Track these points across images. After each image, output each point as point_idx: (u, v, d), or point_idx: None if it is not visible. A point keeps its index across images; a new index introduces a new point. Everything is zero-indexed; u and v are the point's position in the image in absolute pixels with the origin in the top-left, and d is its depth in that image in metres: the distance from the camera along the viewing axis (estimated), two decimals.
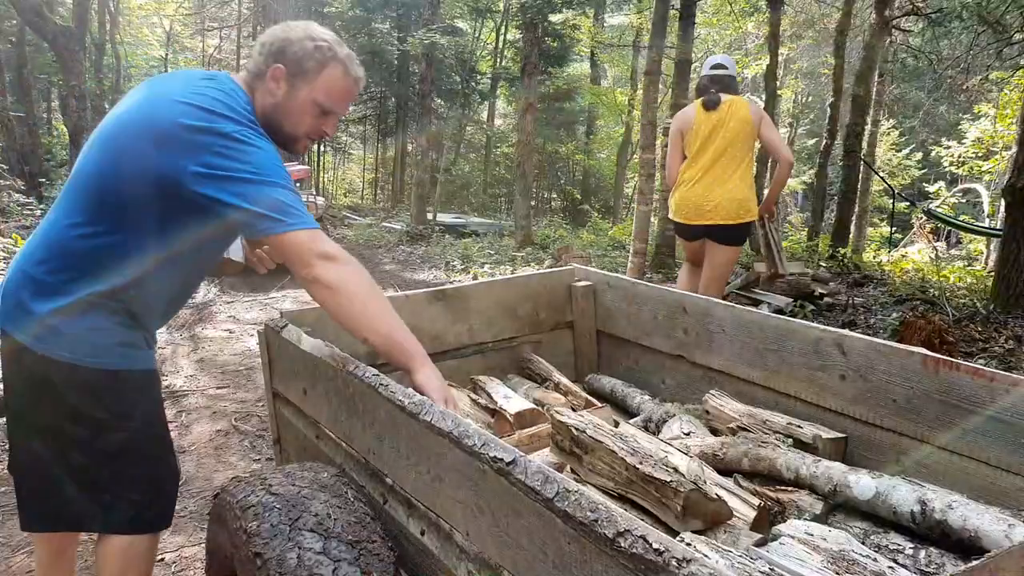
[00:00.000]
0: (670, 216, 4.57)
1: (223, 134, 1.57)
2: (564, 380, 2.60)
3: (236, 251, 2.16)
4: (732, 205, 4.17)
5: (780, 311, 5.93)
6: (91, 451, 1.75)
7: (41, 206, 9.54)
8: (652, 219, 8.63)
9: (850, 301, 6.63)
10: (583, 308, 2.92)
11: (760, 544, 1.40)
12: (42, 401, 1.75)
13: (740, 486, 1.79)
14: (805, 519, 1.62)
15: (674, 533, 1.47)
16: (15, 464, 1.87)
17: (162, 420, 1.91)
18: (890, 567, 1.33)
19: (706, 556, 1.22)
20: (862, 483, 1.65)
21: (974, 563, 1.01)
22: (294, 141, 1.80)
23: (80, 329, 1.69)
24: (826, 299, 6.70)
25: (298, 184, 10.24)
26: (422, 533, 1.52)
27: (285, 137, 1.78)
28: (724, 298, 5.07)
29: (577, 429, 1.77)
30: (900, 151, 20.05)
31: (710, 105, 4.22)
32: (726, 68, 4.35)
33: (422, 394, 1.59)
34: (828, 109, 10.49)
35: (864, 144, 11.29)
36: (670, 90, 9.73)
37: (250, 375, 5.08)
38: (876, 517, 1.63)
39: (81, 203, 1.69)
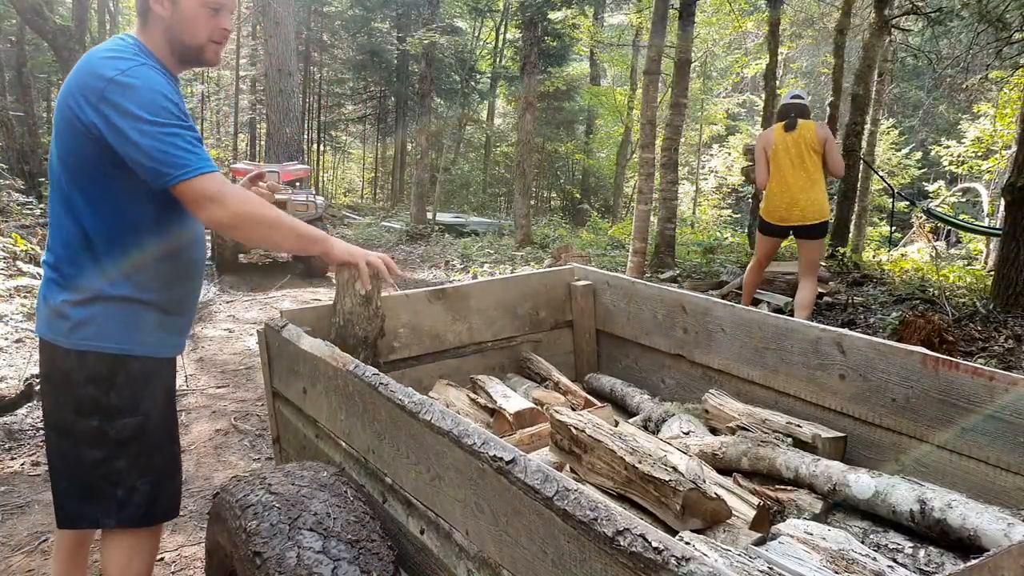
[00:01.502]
0: (762, 215, 5.50)
1: (110, 80, 1.64)
2: (564, 379, 2.60)
3: None
4: (815, 208, 5.09)
5: (779, 310, 5.93)
6: (105, 441, 1.78)
7: (40, 205, 9.53)
8: (652, 218, 8.62)
9: (849, 300, 6.63)
10: (583, 307, 2.92)
11: (759, 543, 1.40)
12: (57, 394, 1.80)
13: (739, 485, 1.79)
14: (804, 518, 1.62)
15: (673, 532, 1.47)
16: (49, 463, 1.90)
17: (172, 409, 1.95)
18: (889, 566, 1.33)
19: (705, 555, 1.22)
20: (861, 482, 1.65)
21: (973, 562, 1.01)
22: (201, 50, 1.84)
23: (88, 315, 1.75)
24: (826, 298, 6.70)
25: (297, 183, 10.22)
26: (421, 532, 1.52)
27: (191, 51, 1.83)
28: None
29: (576, 428, 1.77)
30: (900, 150, 20.06)
31: (789, 127, 5.19)
32: (802, 99, 5.36)
33: (347, 263, 1.98)
34: (828, 108, 10.47)
35: (864, 143, 11.28)
36: (669, 89, 9.73)
37: (249, 374, 5.09)
38: (875, 516, 1.63)
39: (59, 195, 1.77)
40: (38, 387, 4.09)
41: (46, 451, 1.88)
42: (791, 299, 6.37)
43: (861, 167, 10.72)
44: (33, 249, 7.16)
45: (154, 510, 1.86)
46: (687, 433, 2.15)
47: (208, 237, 9.89)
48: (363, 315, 2.11)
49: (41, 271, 2.01)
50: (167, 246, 1.84)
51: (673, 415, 2.29)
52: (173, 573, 2.68)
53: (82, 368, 1.75)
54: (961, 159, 15.89)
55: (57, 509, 1.85)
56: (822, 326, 2.11)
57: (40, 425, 3.91)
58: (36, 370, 4.22)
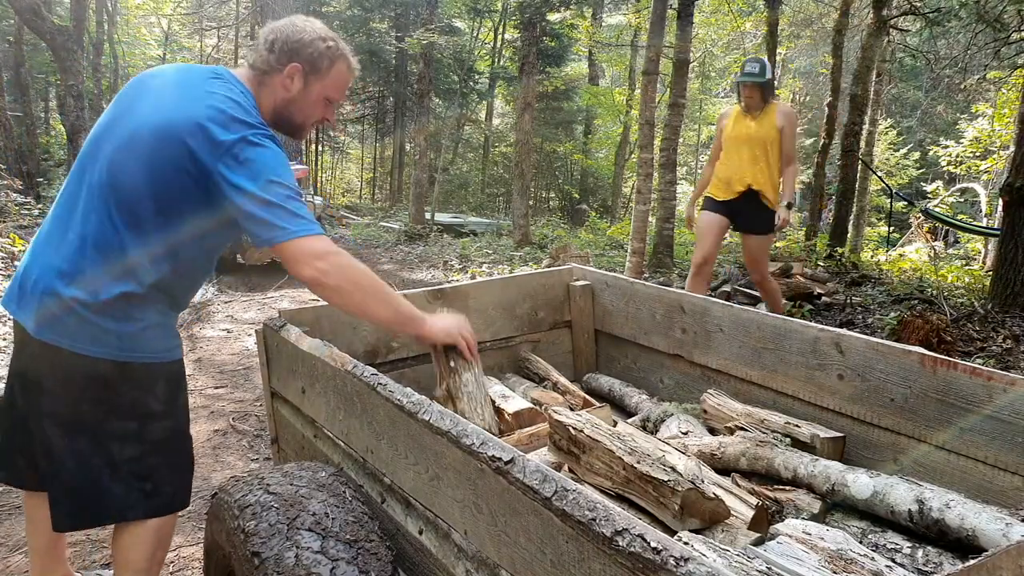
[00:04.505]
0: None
1: (242, 139, 1.67)
2: (562, 379, 2.60)
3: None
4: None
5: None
6: (142, 442, 1.81)
7: (39, 205, 9.53)
8: (650, 218, 8.62)
9: (848, 300, 6.64)
10: (581, 307, 2.92)
11: (758, 543, 1.40)
12: (79, 399, 1.78)
13: (738, 485, 1.79)
14: (803, 518, 1.62)
15: (672, 532, 1.47)
16: (47, 466, 1.86)
17: (188, 406, 2.01)
18: (888, 566, 1.33)
19: (704, 555, 1.22)
20: (860, 482, 1.65)
21: (972, 562, 1.01)
22: (301, 129, 1.95)
23: (130, 328, 1.76)
24: (824, 298, 6.70)
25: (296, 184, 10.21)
26: (420, 532, 1.52)
27: (294, 127, 1.93)
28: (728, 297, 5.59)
29: (575, 428, 1.77)
30: (898, 150, 20.08)
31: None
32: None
33: (445, 342, 1.92)
34: (826, 108, 10.49)
35: (862, 143, 11.30)
36: (668, 89, 9.73)
37: (248, 375, 5.08)
38: (874, 516, 1.63)
39: (105, 212, 1.72)
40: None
41: (47, 454, 1.87)
42: (790, 300, 6.38)
43: (859, 167, 10.72)
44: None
45: (176, 499, 1.92)
46: (685, 433, 2.15)
47: None
48: (478, 398, 1.94)
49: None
50: (200, 268, 1.92)
51: (672, 415, 2.29)
52: (172, 573, 2.68)
53: (126, 377, 1.77)
54: (959, 159, 15.91)
55: (61, 513, 1.83)
56: (820, 326, 2.11)
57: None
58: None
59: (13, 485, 2.08)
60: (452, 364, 1.94)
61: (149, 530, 1.87)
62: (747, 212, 4.82)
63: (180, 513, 1.98)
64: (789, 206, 4.95)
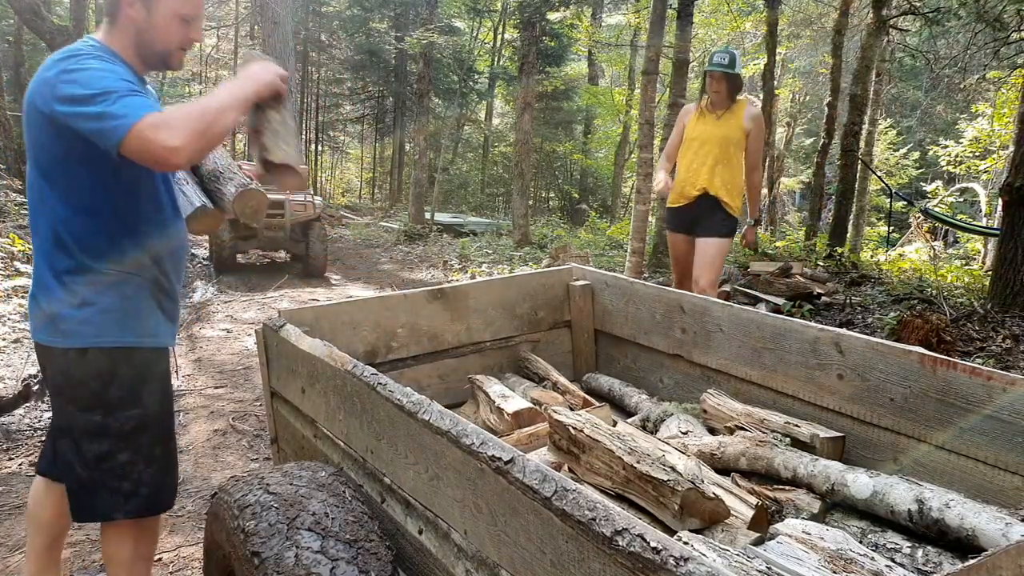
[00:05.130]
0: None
1: (62, 71, 1.71)
2: (562, 379, 2.60)
3: (200, 198, 2.11)
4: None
5: (777, 310, 5.94)
6: (109, 435, 1.83)
7: None
8: (650, 218, 8.62)
9: (848, 300, 6.64)
10: (581, 307, 2.92)
11: (758, 543, 1.40)
12: (60, 394, 1.85)
13: (738, 485, 1.79)
14: (803, 518, 1.62)
15: (672, 532, 1.47)
16: (62, 464, 1.93)
17: (170, 402, 2.01)
18: (887, 566, 1.33)
19: (704, 555, 1.22)
20: (859, 482, 1.65)
21: (971, 562, 1.01)
22: (168, 57, 1.90)
23: (84, 313, 1.79)
24: (824, 298, 6.71)
25: None
26: (420, 532, 1.52)
27: (158, 55, 1.89)
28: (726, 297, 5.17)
29: (575, 428, 1.77)
30: (897, 150, 20.08)
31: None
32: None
33: (275, 95, 1.86)
34: (825, 108, 10.50)
35: (862, 143, 11.30)
36: (668, 89, 9.73)
37: (248, 375, 5.08)
38: (874, 516, 1.63)
39: (33, 194, 1.85)
40: (35, 388, 4.09)
41: (56, 453, 1.92)
42: (790, 300, 6.38)
43: (859, 167, 10.73)
44: (30, 249, 7.16)
45: (158, 500, 1.93)
46: (685, 433, 2.15)
47: (205, 237, 9.89)
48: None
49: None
50: (138, 230, 1.87)
51: (671, 415, 2.29)
52: (171, 573, 2.68)
53: (82, 365, 1.80)
54: (959, 159, 15.91)
55: (76, 506, 1.90)
56: (820, 326, 2.11)
57: (37, 425, 3.91)
58: (33, 370, 4.21)
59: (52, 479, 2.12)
60: (259, 105, 1.91)
61: (132, 528, 1.91)
62: (702, 217, 4.36)
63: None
64: (756, 223, 4.64)
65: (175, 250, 2.00)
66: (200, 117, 1.69)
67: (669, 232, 4.63)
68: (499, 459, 1.21)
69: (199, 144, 1.68)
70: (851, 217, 10.98)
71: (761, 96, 11.25)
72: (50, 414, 2.57)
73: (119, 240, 1.83)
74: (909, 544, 1.52)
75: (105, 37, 1.86)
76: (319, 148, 24.65)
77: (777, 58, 12.32)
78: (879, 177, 11.91)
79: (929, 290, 6.93)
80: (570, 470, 1.81)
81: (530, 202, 17.15)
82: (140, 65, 1.88)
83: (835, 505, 1.71)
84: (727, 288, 6.86)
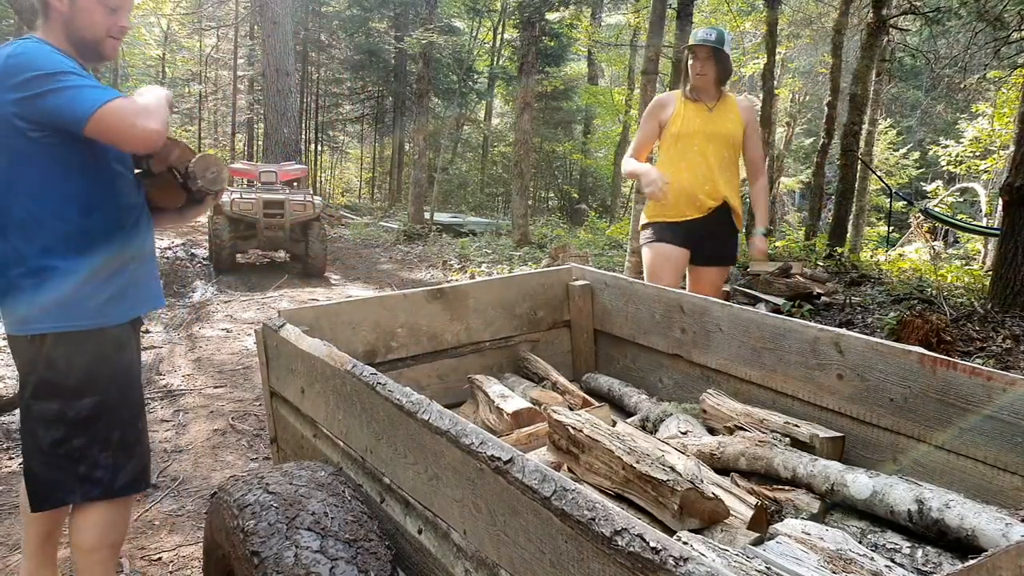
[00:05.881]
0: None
1: (10, 63, 1.74)
2: (561, 379, 2.60)
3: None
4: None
5: (777, 310, 5.94)
6: (63, 422, 1.85)
7: None
8: None
9: (847, 300, 6.64)
10: (580, 307, 2.92)
11: (757, 543, 1.40)
12: (23, 383, 1.88)
13: (737, 485, 1.79)
14: (802, 518, 1.62)
15: (671, 532, 1.47)
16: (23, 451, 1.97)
17: (134, 382, 2.00)
18: (887, 566, 1.33)
19: (703, 555, 1.22)
20: (859, 482, 1.65)
21: (971, 562, 1.01)
22: (99, 44, 1.93)
23: (29, 300, 1.81)
24: (823, 298, 6.71)
25: (295, 184, 10.22)
26: (419, 532, 1.52)
27: (90, 45, 1.92)
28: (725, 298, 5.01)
29: (574, 428, 1.77)
30: (897, 150, 20.10)
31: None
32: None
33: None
34: (825, 108, 10.50)
35: (861, 143, 11.31)
36: (667, 89, 9.74)
37: (247, 374, 5.08)
38: (873, 516, 1.63)
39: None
40: None
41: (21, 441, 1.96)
42: (790, 300, 6.38)
43: (859, 167, 10.73)
44: None
45: (117, 484, 1.93)
46: (685, 433, 2.15)
47: (205, 238, 9.88)
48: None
49: None
50: (78, 210, 1.87)
51: (671, 415, 2.29)
52: (171, 573, 2.68)
53: (36, 353, 1.82)
54: (959, 159, 15.92)
55: (30, 494, 1.91)
56: (820, 326, 2.11)
57: None
58: None
59: None
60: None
61: (97, 513, 1.91)
62: (714, 237, 3.61)
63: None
64: (768, 233, 3.84)
65: (130, 221, 1.99)
66: (162, 108, 1.81)
67: (660, 244, 3.66)
68: (498, 459, 1.20)
69: (165, 131, 1.79)
70: (851, 217, 10.99)
71: (761, 96, 11.24)
72: None
73: (60, 228, 1.85)
74: (909, 544, 1.52)
75: (42, 34, 1.89)
76: (319, 148, 24.64)
77: (777, 58, 12.31)
78: (879, 177, 11.93)
79: (929, 290, 6.93)
80: (569, 470, 1.81)
81: (529, 202, 17.15)
82: (77, 57, 1.91)
83: (835, 505, 1.71)
84: (727, 288, 6.86)
